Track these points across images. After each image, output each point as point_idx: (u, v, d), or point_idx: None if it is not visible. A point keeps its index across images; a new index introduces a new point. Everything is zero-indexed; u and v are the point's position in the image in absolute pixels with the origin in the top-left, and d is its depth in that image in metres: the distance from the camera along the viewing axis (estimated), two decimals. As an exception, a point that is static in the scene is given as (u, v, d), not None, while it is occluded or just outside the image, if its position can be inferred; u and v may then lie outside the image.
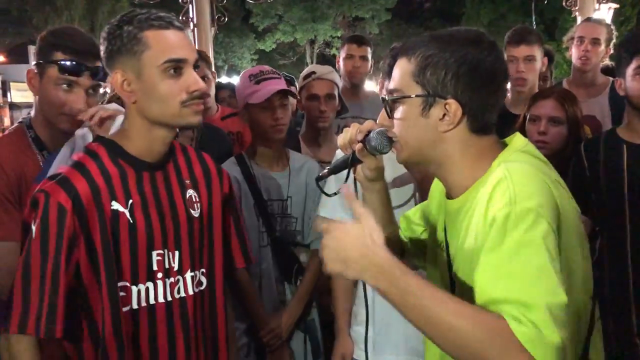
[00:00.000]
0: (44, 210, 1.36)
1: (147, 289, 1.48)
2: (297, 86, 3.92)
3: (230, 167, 2.32)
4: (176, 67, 1.39)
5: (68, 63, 1.73)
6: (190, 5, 4.59)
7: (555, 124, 2.30)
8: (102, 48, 1.43)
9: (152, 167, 1.50)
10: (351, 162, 1.39)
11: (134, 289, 1.46)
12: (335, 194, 1.46)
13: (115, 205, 1.43)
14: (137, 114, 1.44)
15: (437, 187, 1.43)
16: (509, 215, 1.05)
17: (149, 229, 1.47)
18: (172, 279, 1.51)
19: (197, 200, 1.59)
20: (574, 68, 3.41)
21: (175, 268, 1.52)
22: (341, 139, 1.40)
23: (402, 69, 1.23)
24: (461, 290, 1.21)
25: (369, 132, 1.35)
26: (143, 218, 1.46)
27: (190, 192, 1.58)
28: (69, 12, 25.28)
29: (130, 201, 1.45)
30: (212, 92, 3.12)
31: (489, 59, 1.18)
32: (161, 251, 1.49)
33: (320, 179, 1.51)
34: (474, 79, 1.17)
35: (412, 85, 1.21)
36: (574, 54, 3.34)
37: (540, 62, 3.03)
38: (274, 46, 30.81)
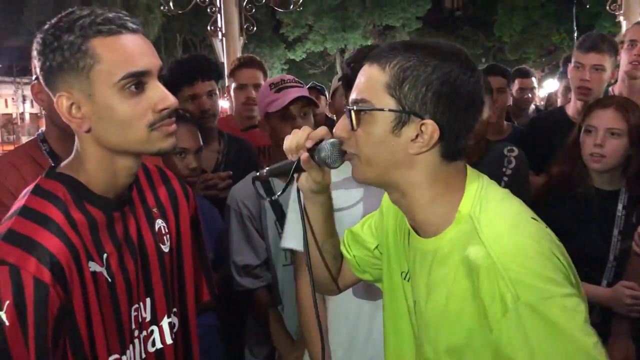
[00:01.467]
0: (16, 290, 1.02)
1: (133, 354, 1.25)
2: (327, 95, 3.82)
3: (250, 182, 2.19)
4: (138, 82, 1.10)
5: None
6: (219, 15, 4.53)
7: (614, 136, 2.11)
8: (36, 64, 1.14)
9: (120, 204, 1.23)
10: (294, 170, 1.24)
11: (124, 358, 1.22)
12: (272, 199, 1.31)
13: (93, 266, 1.15)
14: (93, 143, 1.15)
15: (391, 207, 1.30)
16: (521, 321, 0.95)
17: (127, 282, 1.22)
18: (145, 332, 1.27)
19: (167, 231, 1.35)
20: (623, 74, 3.20)
21: (148, 318, 1.28)
22: (288, 141, 1.24)
23: (372, 77, 1.09)
24: (427, 335, 1.14)
25: (321, 140, 1.20)
26: (120, 272, 1.20)
27: (159, 223, 1.33)
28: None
29: (105, 255, 1.17)
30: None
31: (472, 80, 1.07)
32: (137, 305, 1.25)
33: (257, 179, 1.32)
34: (456, 101, 1.06)
35: (384, 97, 1.07)
36: (622, 59, 3.13)
37: (610, 72, 2.83)
38: (304, 56, 30.95)
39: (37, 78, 1.71)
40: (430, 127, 1.05)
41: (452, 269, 1.06)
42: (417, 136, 1.06)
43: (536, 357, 0.92)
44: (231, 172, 2.43)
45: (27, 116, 30.94)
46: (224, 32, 4.53)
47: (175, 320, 1.36)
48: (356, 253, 1.43)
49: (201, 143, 2.16)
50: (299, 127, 2.17)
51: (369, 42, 29.77)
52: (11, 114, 36.29)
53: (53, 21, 1.12)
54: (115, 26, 1.10)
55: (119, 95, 1.10)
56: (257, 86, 2.96)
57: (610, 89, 3.33)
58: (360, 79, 1.12)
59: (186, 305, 1.41)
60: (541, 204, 1.90)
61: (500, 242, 1.02)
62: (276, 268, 2.28)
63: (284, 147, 1.26)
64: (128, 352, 1.22)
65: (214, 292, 1.55)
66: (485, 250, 1.01)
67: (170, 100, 1.14)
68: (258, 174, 1.33)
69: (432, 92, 1.04)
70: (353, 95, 1.12)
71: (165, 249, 1.34)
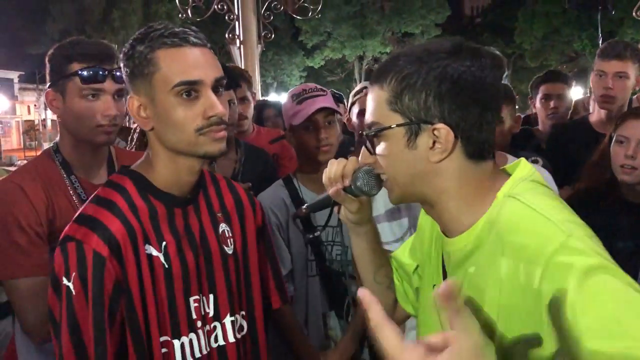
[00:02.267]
0: (80, 262, 1.20)
1: (190, 342, 1.32)
2: (346, 103, 3.78)
3: (278, 189, 2.19)
4: (190, 90, 1.23)
5: (87, 71, 1.61)
6: (237, 23, 4.54)
7: None
8: (122, 70, 1.31)
9: (183, 201, 1.35)
10: (333, 203, 1.25)
11: (176, 343, 1.31)
12: (313, 236, 1.30)
13: (149, 249, 1.27)
14: (157, 142, 1.30)
15: (427, 219, 1.25)
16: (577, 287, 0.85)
17: (185, 273, 1.32)
18: (208, 327, 1.37)
19: (230, 235, 1.45)
20: None
21: (211, 314, 1.37)
22: (325, 174, 1.25)
23: (376, 98, 1.07)
24: None
25: (355, 171, 1.20)
26: (179, 261, 1.31)
27: (223, 227, 1.43)
28: (126, 31, 26.36)
29: (164, 243, 1.30)
30: (250, 113, 3.01)
31: (473, 69, 1.01)
32: (197, 297, 1.34)
33: (297, 216, 1.35)
34: (459, 95, 1.00)
35: (389, 115, 1.04)
36: None
37: (634, 80, 2.75)
38: (322, 63, 31.10)
39: (50, 86, 1.70)
40: (443, 131, 1.00)
41: (491, 250, 1.00)
42: (434, 143, 1.02)
43: (608, 325, 0.83)
44: (251, 184, 2.40)
45: (49, 123, 31.45)
46: (241, 39, 4.53)
47: (242, 322, 1.44)
48: (402, 277, 1.39)
49: None
50: (323, 138, 2.17)
51: (388, 50, 29.83)
52: (33, 121, 37.00)
53: (136, 34, 1.29)
54: (178, 39, 1.24)
55: (174, 100, 1.23)
56: (242, 99, 2.89)
57: (634, 97, 3.25)
58: (368, 102, 1.10)
59: (254, 309, 1.49)
60: None
61: (543, 204, 0.96)
62: (302, 278, 2.24)
63: (323, 180, 1.27)
64: (184, 338, 1.32)
65: (286, 300, 1.64)
66: (524, 204, 0.96)
67: (219, 108, 1.25)
68: (297, 211, 1.37)
69: (432, 95, 1.00)
70: (366, 120, 1.11)
71: (229, 250, 1.43)
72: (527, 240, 0.93)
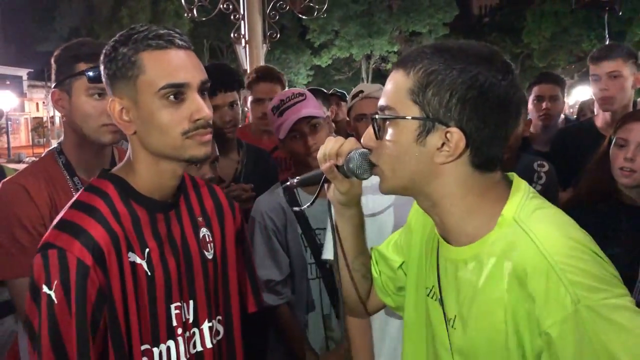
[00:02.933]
0: (62, 270, 1.15)
1: (168, 349, 1.30)
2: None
3: (276, 194, 2.18)
4: (176, 92, 1.20)
5: (94, 71, 1.63)
6: (242, 22, 4.53)
7: None
8: (101, 72, 1.28)
9: (165, 206, 1.33)
10: (324, 180, 1.23)
11: (156, 351, 1.28)
12: (299, 210, 1.30)
13: (133, 257, 1.24)
14: (140, 145, 1.27)
15: (420, 218, 1.24)
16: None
17: (167, 280, 1.30)
18: (188, 333, 1.35)
19: (211, 239, 1.43)
20: None
21: (191, 320, 1.36)
22: (321, 150, 1.23)
23: (398, 83, 1.04)
24: (461, 352, 1.07)
25: (350, 151, 1.18)
26: (161, 268, 1.29)
27: (204, 231, 1.41)
28: (133, 30, 26.39)
29: (147, 250, 1.27)
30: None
31: (504, 83, 0.99)
32: (179, 303, 1.32)
33: (287, 188, 1.33)
34: (483, 107, 0.98)
35: (408, 104, 1.01)
36: None
37: (631, 79, 2.74)
38: (329, 62, 31.07)
39: (56, 85, 1.72)
40: (456, 136, 0.98)
41: (496, 274, 1.00)
42: (442, 145, 1.00)
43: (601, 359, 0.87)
44: (253, 185, 2.41)
45: (57, 120, 31.56)
46: (247, 39, 4.53)
47: (220, 327, 1.42)
48: (382, 271, 1.38)
49: (217, 153, 2.14)
50: (312, 144, 2.16)
51: (395, 48, 29.77)
52: (42, 118, 37.13)
53: (117, 35, 1.26)
54: (163, 41, 1.21)
55: (159, 104, 1.20)
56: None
57: (639, 100, 3.23)
58: (388, 85, 1.07)
59: (231, 314, 1.47)
60: None
61: (553, 242, 0.95)
62: (302, 281, 2.24)
63: (317, 156, 1.25)
64: (162, 345, 1.29)
65: (261, 304, 1.60)
66: (537, 249, 0.95)
67: (205, 111, 1.23)
68: (288, 183, 1.33)
69: (456, 97, 0.98)
70: (380, 102, 1.08)
71: (209, 255, 1.41)
72: (538, 297, 0.94)
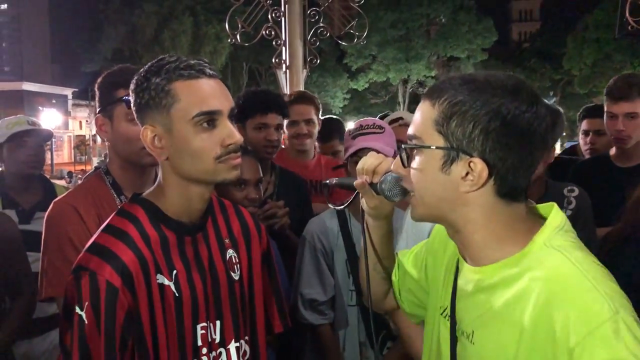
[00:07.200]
0: (93, 292, 1.21)
1: None
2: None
3: (329, 217, 2.23)
4: (209, 119, 1.26)
5: None
6: (284, 48, 4.59)
7: None
8: (131, 100, 1.32)
9: (192, 229, 1.37)
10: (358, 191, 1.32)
11: None
12: (341, 204, 1.42)
13: (161, 279, 1.29)
14: (171, 170, 1.32)
15: (443, 239, 1.25)
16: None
17: (195, 300, 1.33)
18: (214, 353, 1.37)
19: (237, 261, 1.46)
20: None
21: (217, 340, 1.38)
22: (361, 162, 1.30)
23: (424, 113, 1.07)
24: None
25: (386, 172, 1.22)
26: (188, 289, 1.32)
27: (230, 253, 1.44)
28: (175, 51, 27.07)
29: (175, 271, 1.31)
30: (314, 134, 3.08)
31: (527, 115, 0.99)
32: (205, 323, 1.35)
33: (325, 186, 1.40)
34: (506, 137, 0.99)
35: (433, 134, 1.04)
36: None
37: None
38: (366, 85, 31.19)
39: (100, 111, 1.77)
40: (479, 166, 1.00)
41: (518, 294, 1.01)
42: (467, 174, 1.02)
43: None
44: (284, 202, 2.44)
45: (98, 138, 32.41)
46: (287, 64, 4.59)
47: (246, 347, 1.45)
48: (399, 277, 1.42)
49: (261, 174, 2.18)
50: None
51: (433, 73, 29.73)
52: (84, 136, 38.20)
53: (147, 65, 1.30)
54: (195, 71, 1.26)
55: (193, 130, 1.25)
56: (308, 121, 3.01)
57: None
58: (416, 114, 1.10)
59: (257, 334, 1.49)
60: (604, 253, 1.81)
61: (566, 269, 0.97)
62: (342, 306, 2.25)
63: (357, 167, 1.31)
64: None
65: (287, 325, 1.61)
66: (571, 262, 0.97)
67: (237, 136, 1.28)
68: (327, 181, 1.42)
69: (479, 128, 0.99)
70: (409, 131, 1.11)
71: (235, 276, 1.44)
72: (575, 303, 0.94)
